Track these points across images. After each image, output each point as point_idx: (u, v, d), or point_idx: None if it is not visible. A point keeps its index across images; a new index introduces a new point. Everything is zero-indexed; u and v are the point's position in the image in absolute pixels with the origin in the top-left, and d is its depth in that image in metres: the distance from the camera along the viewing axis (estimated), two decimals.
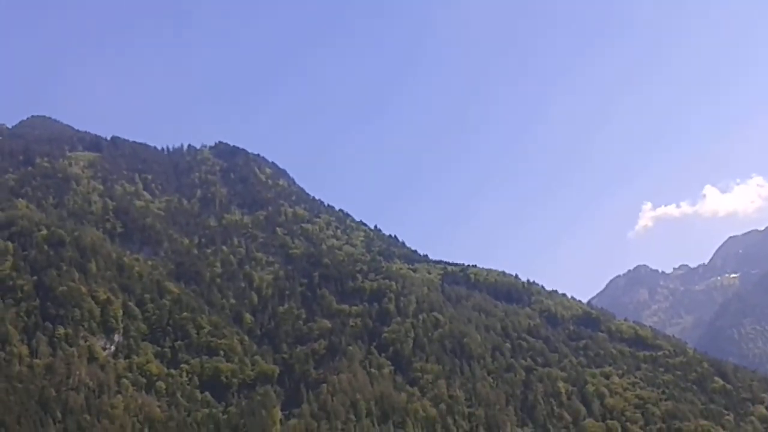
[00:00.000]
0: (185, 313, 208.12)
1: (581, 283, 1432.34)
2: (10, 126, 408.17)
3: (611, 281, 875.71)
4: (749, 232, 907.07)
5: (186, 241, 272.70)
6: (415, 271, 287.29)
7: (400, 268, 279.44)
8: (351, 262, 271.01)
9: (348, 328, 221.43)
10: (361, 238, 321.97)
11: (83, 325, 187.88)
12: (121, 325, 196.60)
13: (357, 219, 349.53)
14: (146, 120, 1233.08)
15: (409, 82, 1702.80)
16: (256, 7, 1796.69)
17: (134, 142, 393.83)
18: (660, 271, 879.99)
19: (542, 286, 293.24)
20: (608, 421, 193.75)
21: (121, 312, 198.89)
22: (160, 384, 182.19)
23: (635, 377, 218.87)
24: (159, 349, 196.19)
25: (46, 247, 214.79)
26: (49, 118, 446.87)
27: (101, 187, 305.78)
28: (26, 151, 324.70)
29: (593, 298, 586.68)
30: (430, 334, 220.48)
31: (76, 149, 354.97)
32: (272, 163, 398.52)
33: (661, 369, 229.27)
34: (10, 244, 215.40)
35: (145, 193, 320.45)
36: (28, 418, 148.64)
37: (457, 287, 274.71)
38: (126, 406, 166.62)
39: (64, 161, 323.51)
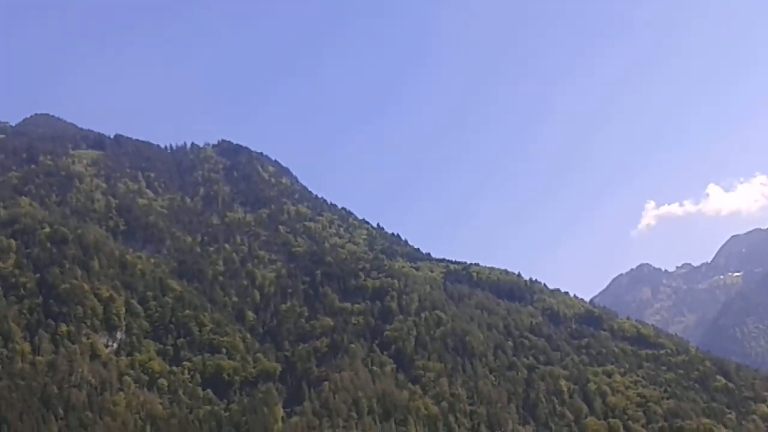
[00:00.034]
0: (188, 311, 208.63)
1: (584, 282, 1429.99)
2: (13, 124, 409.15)
3: (614, 280, 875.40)
4: (752, 231, 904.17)
5: (189, 239, 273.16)
6: (417, 269, 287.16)
7: (403, 267, 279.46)
8: (353, 260, 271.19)
9: (350, 326, 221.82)
10: (364, 237, 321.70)
11: (86, 323, 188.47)
12: (124, 323, 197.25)
13: (360, 217, 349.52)
14: (149, 118, 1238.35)
15: (410, 81, 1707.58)
16: (259, 6, 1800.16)
17: (137, 140, 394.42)
18: (663, 269, 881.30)
19: (544, 285, 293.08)
20: (610, 420, 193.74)
21: (123, 309, 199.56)
22: (162, 381, 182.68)
23: (637, 376, 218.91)
24: (161, 346, 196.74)
25: (48, 244, 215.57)
26: (53, 116, 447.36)
27: (104, 185, 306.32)
28: (29, 149, 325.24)
29: (596, 297, 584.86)
30: (432, 332, 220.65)
31: (80, 147, 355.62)
32: (275, 161, 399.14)
33: (664, 367, 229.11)
34: (13, 241, 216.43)
35: (148, 191, 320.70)
36: (31, 415, 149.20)
37: (460, 285, 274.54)
38: (128, 404, 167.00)
39: (68, 159, 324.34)
